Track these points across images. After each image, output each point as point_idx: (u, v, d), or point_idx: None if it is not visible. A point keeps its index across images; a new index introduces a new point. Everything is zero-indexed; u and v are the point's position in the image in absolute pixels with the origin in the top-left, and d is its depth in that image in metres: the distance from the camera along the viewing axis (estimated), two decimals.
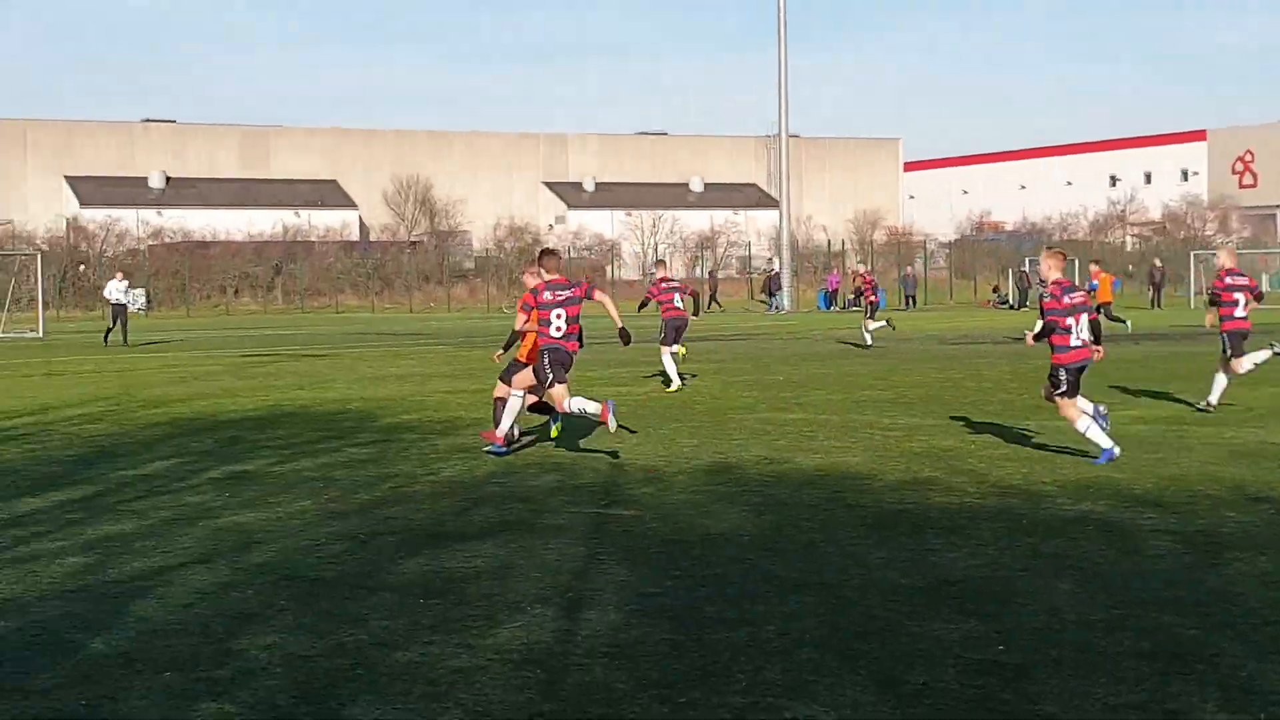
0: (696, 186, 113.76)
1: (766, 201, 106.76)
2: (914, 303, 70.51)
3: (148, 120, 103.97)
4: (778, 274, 71.61)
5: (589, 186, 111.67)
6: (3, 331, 48.26)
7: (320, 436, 15.32)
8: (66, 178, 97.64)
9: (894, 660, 6.48)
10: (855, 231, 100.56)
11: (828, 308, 69.57)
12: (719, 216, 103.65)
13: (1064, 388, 12.74)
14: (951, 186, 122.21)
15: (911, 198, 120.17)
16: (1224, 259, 18.00)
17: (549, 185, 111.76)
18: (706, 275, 76.81)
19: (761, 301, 73.41)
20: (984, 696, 5.94)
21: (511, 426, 13.79)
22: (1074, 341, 12.72)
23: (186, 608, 7.63)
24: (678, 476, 12.11)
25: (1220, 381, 16.69)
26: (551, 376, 13.15)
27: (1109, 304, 34.16)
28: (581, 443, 14.31)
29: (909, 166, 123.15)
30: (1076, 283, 15.13)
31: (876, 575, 8.19)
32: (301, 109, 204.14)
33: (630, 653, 6.65)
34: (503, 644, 6.81)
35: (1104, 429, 12.69)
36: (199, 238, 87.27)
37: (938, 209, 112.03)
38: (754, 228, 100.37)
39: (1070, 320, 12.70)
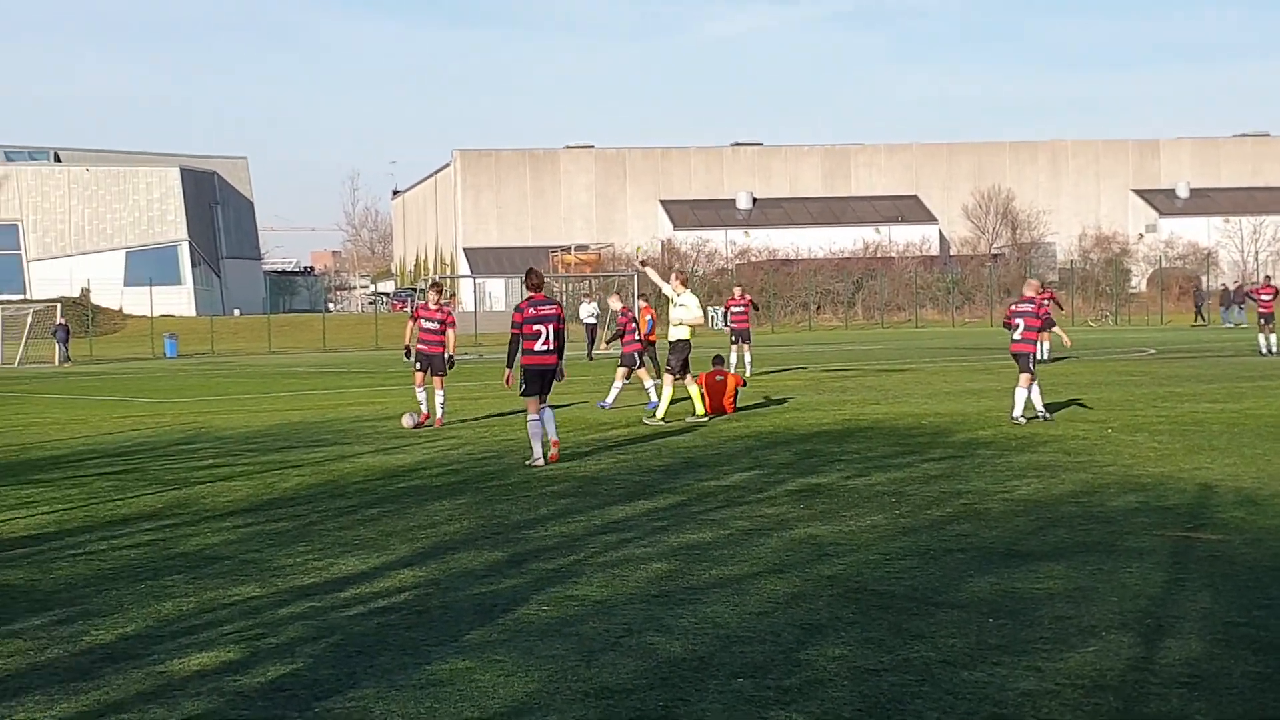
0: None
1: None
2: None
3: (736, 144, 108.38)
4: (1239, 286, 66.82)
5: (1182, 193, 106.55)
6: (604, 348, 51.57)
7: (894, 451, 15.38)
8: (661, 202, 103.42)
9: None
10: None
11: None
12: None
13: None
14: None
15: None
16: None
17: (1138, 193, 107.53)
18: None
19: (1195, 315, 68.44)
20: None
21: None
22: None
23: (760, 616, 7.85)
24: (1273, 499, 11.30)
25: None
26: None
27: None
28: (1164, 462, 13.65)
29: None
30: None
31: None
32: (882, 126, 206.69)
33: (1212, 684, 6.27)
34: (1074, 669, 6.59)
35: None
36: (783, 256, 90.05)
37: None
38: None
39: None
